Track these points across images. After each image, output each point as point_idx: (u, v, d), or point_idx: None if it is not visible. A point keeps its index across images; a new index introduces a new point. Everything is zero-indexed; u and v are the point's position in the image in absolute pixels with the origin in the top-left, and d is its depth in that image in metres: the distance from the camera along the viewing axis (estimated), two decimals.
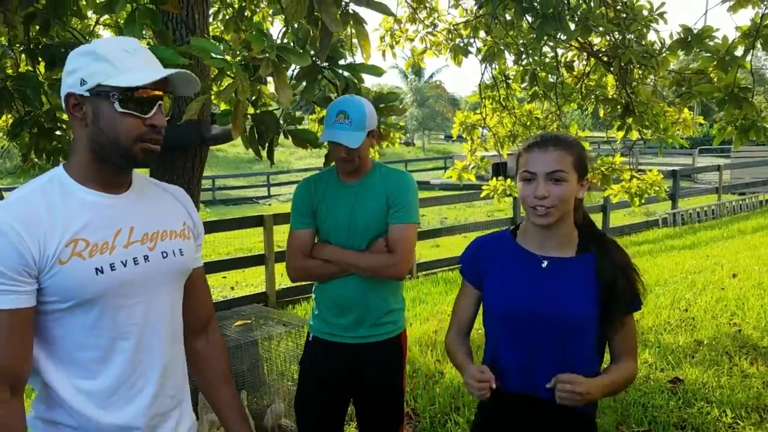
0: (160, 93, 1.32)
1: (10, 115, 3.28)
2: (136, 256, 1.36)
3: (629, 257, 1.70)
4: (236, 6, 4.27)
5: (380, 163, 2.48)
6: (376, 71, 2.52)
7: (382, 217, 2.34)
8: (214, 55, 1.93)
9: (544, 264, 1.70)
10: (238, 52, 1.93)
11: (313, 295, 2.52)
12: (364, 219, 2.34)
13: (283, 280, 7.36)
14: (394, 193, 2.34)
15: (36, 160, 3.64)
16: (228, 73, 1.90)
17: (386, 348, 2.43)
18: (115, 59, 1.28)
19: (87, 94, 1.28)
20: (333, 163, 2.47)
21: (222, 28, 4.31)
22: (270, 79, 2.04)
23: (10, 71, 3.28)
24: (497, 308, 1.75)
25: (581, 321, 1.64)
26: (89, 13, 4.00)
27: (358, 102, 2.28)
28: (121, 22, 3.98)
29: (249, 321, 3.78)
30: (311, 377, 2.48)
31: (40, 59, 2.98)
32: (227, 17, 4.28)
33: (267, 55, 1.90)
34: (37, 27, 2.77)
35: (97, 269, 1.28)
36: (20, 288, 1.22)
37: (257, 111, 2.63)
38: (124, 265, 1.33)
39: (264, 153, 2.67)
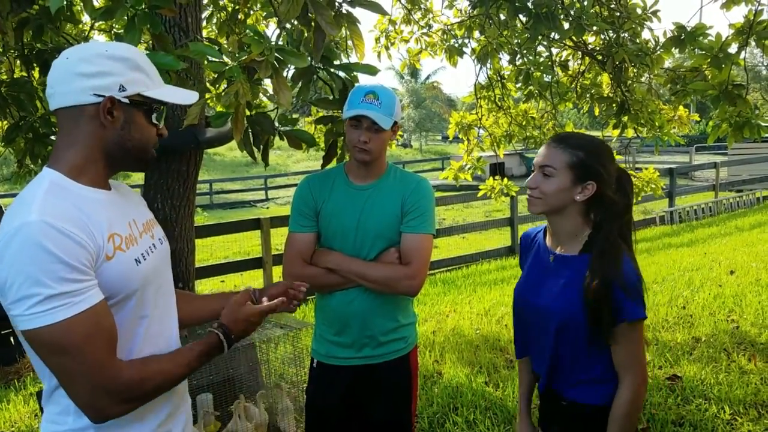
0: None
1: (5, 121, 3.28)
2: (150, 245, 1.42)
3: (623, 270, 1.63)
4: (229, 9, 4.28)
5: (395, 166, 2.27)
6: (371, 70, 2.51)
7: (395, 224, 2.13)
8: (212, 59, 1.94)
9: (551, 258, 1.78)
10: (236, 55, 1.92)
11: (314, 312, 2.32)
12: (376, 225, 2.12)
13: None
14: (411, 199, 2.13)
15: (32, 165, 3.64)
16: (227, 76, 1.90)
17: (393, 372, 2.20)
18: (149, 70, 1.35)
19: (126, 101, 1.30)
20: (334, 163, 2.41)
21: (216, 31, 4.31)
22: (268, 80, 2.04)
23: (4, 77, 3.28)
24: (514, 294, 1.90)
25: (565, 318, 1.68)
26: (83, 18, 4.00)
27: (388, 89, 2.12)
28: (116, 27, 3.98)
29: None
30: (309, 410, 2.28)
31: (34, 64, 2.98)
32: (220, 20, 4.28)
33: (266, 57, 1.90)
34: (31, 32, 2.77)
35: (136, 260, 1.33)
36: (95, 281, 1.24)
37: (252, 113, 2.64)
38: (149, 254, 1.39)
39: (258, 155, 2.67)
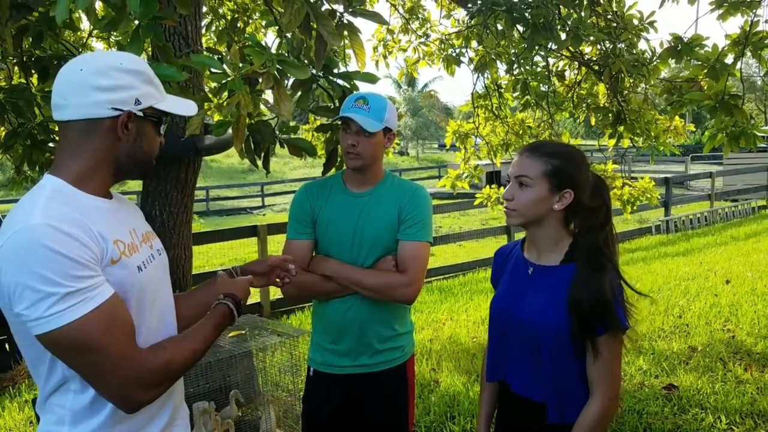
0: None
1: (2, 128, 3.28)
2: (149, 255, 1.42)
3: (611, 279, 1.61)
4: (229, 18, 4.29)
5: (393, 173, 2.27)
6: (371, 78, 2.51)
7: (392, 231, 2.13)
8: (215, 70, 1.95)
9: (530, 270, 1.74)
10: (238, 66, 1.93)
11: (311, 320, 2.30)
12: (373, 232, 2.12)
13: (277, 290, 7.31)
14: (408, 207, 2.13)
15: (29, 172, 3.64)
16: (229, 87, 1.90)
17: (389, 381, 2.19)
18: (157, 83, 1.38)
19: (141, 114, 1.33)
20: (333, 171, 2.41)
21: (215, 39, 4.32)
22: (269, 90, 2.05)
23: (3, 83, 3.28)
24: (491, 309, 1.83)
25: (546, 328, 1.63)
26: (82, 26, 4.01)
27: (381, 96, 2.12)
28: (115, 35, 3.99)
29: (243, 332, 3.77)
30: (305, 419, 2.27)
31: (33, 71, 2.98)
32: (220, 29, 4.30)
33: (268, 68, 1.91)
34: (30, 39, 2.77)
35: (138, 267, 1.34)
36: (103, 276, 1.24)
37: (253, 121, 2.64)
38: (149, 263, 1.40)
39: (260, 162, 2.67)
